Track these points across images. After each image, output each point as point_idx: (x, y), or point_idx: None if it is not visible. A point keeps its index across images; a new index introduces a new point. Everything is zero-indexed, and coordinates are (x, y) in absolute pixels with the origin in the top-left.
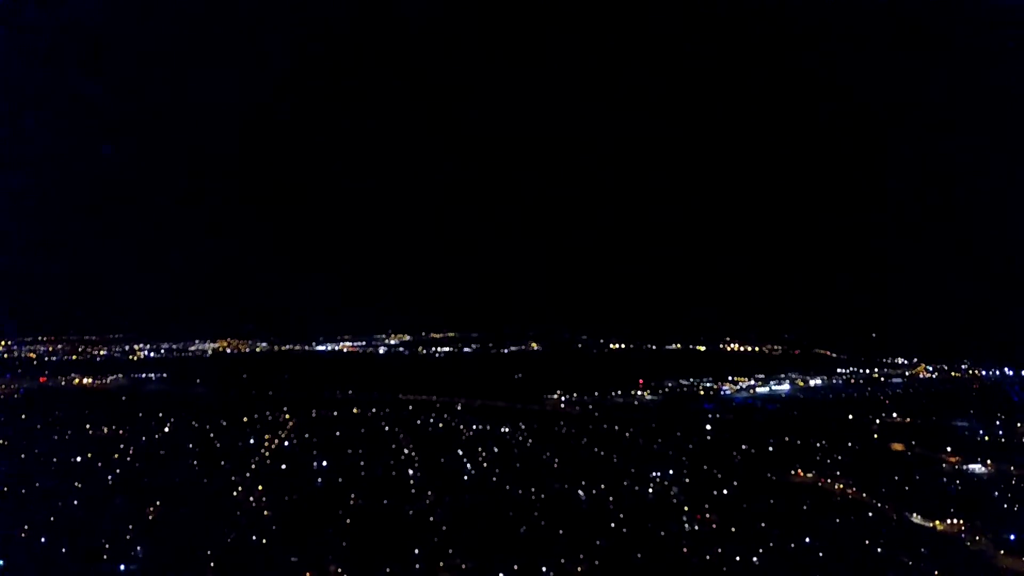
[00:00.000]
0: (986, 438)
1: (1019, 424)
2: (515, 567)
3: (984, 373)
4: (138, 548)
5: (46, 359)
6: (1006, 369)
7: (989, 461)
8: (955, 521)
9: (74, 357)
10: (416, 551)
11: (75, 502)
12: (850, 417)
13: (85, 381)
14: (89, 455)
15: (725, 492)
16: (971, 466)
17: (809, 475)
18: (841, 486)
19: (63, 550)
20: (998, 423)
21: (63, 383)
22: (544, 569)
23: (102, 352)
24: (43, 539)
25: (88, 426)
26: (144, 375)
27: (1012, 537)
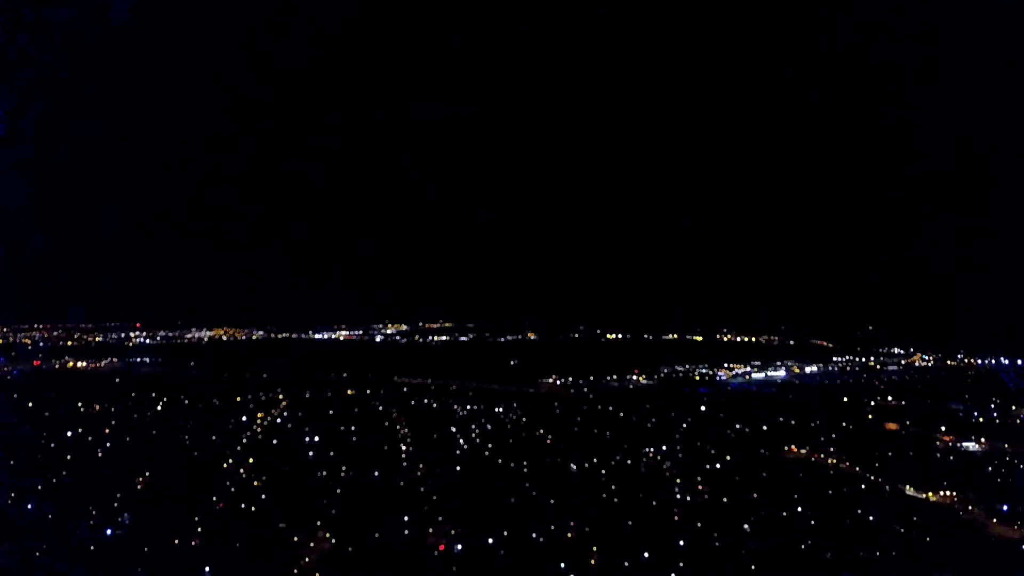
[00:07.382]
0: (980, 420)
1: (1014, 407)
2: (504, 533)
3: (980, 361)
4: (125, 514)
5: (41, 345)
6: (1002, 358)
7: (983, 439)
8: (948, 493)
9: (69, 343)
10: (405, 518)
11: (63, 472)
12: (845, 400)
13: (79, 364)
14: (80, 430)
15: (718, 466)
16: (965, 443)
17: (802, 451)
18: (834, 460)
19: (50, 516)
20: (993, 406)
21: (57, 366)
22: (534, 535)
23: (97, 339)
24: (30, 506)
25: (80, 404)
26: (138, 359)
27: (1005, 508)
